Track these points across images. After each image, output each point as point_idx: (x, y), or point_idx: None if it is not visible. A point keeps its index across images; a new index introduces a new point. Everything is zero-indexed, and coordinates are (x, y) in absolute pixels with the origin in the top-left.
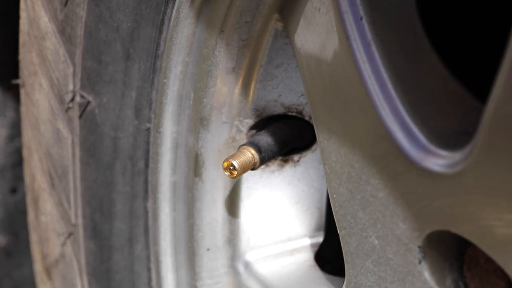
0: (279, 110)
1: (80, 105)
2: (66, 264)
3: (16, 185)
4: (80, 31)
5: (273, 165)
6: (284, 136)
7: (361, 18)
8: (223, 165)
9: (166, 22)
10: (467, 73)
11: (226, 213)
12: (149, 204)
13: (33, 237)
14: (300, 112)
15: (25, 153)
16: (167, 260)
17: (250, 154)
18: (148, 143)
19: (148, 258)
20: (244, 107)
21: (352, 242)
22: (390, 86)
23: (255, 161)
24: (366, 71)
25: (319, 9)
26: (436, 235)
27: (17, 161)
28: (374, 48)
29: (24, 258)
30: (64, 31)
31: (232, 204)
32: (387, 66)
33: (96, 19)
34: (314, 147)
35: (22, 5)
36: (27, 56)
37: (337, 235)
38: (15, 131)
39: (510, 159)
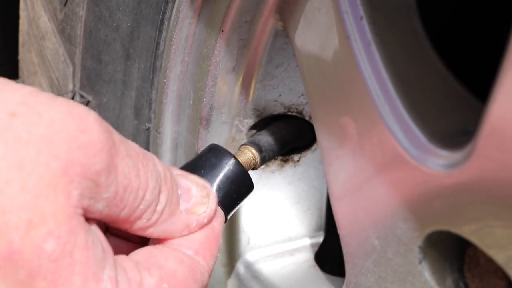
0: (279, 110)
1: None
2: None
3: None
4: (79, 30)
5: (273, 165)
6: (285, 136)
7: (361, 18)
8: None
9: (166, 22)
10: (467, 73)
11: None
12: None
13: None
14: (300, 112)
15: None
16: None
17: (251, 153)
18: (148, 143)
19: None
20: (244, 107)
21: (352, 242)
22: (390, 86)
23: (256, 160)
24: (366, 71)
25: (319, 9)
26: (436, 235)
27: None
28: (374, 48)
29: None
30: (64, 30)
31: None
32: (387, 66)
33: (96, 18)
34: (314, 147)
35: (22, 5)
36: (27, 56)
37: (337, 235)
38: None
39: (510, 159)
